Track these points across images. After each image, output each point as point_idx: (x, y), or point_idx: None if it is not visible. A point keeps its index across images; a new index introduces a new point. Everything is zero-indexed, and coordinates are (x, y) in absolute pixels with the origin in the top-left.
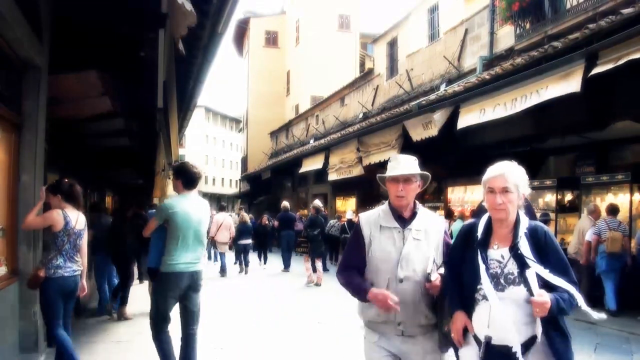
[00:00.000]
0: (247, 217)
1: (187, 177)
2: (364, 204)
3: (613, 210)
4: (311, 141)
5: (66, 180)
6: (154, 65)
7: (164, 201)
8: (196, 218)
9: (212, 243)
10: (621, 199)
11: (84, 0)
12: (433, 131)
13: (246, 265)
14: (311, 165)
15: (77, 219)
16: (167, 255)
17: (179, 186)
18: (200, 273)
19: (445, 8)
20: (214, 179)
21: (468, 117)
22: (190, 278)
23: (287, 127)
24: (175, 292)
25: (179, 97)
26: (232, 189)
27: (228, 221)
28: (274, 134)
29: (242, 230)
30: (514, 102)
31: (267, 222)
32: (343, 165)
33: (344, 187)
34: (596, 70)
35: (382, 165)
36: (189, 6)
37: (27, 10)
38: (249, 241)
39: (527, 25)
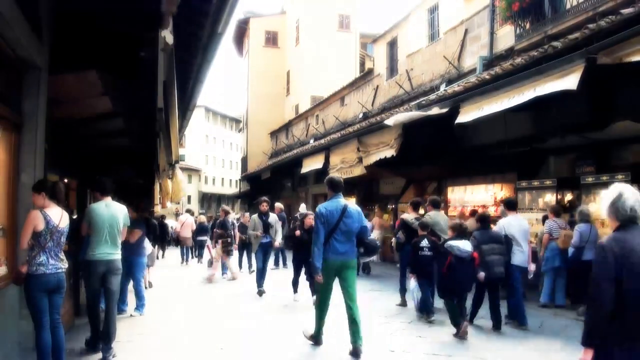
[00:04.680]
0: (204, 218)
1: (100, 188)
2: (364, 204)
3: (558, 211)
4: (311, 141)
5: (66, 180)
6: (154, 65)
7: (88, 207)
8: (109, 219)
9: (177, 238)
10: None
11: (84, 0)
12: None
13: (200, 256)
14: (311, 165)
15: (61, 217)
16: (90, 248)
17: (97, 195)
18: (116, 261)
19: (445, 8)
20: (213, 179)
21: (467, 115)
22: (106, 265)
23: (287, 127)
24: (97, 275)
25: (178, 97)
26: (232, 189)
27: (189, 221)
28: (274, 134)
29: (199, 229)
30: (510, 100)
31: (312, 222)
32: (344, 165)
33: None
34: (601, 61)
35: (382, 164)
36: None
37: (26, 9)
38: (205, 237)
39: (527, 25)
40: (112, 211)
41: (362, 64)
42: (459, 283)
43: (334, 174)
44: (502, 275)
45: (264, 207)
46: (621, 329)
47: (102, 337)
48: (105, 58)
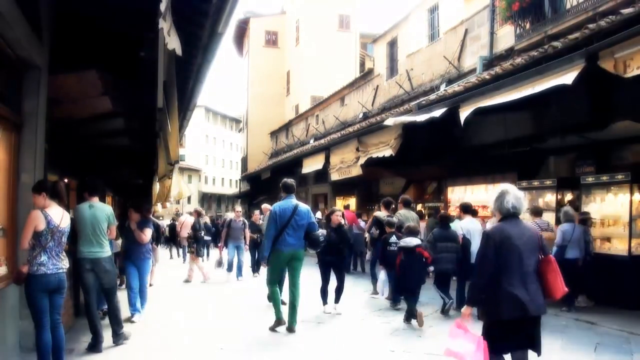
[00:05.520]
0: (208, 219)
1: (89, 188)
2: (364, 204)
3: (537, 212)
4: (311, 141)
5: (66, 180)
6: (154, 65)
7: (74, 207)
8: (90, 220)
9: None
10: (621, 199)
11: (84, 0)
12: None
13: (208, 255)
14: (312, 165)
15: (62, 217)
16: (78, 246)
17: (85, 195)
18: (102, 259)
19: (445, 8)
20: (214, 179)
21: (468, 110)
22: (91, 262)
23: (287, 127)
24: (85, 271)
25: (178, 97)
26: (232, 189)
27: (188, 221)
28: (274, 134)
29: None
30: (510, 96)
31: (340, 220)
32: (343, 165)
33: (344, 187)
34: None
35: (380, 163)
36: (177, 45)
37: (27, 10)
38: (209, 238)
39: (527, 25)
40: (95, 212)
41: (362, 64)
42: (411, 279)
43: (333, 174)
44: (450, 270)
45: None
46: (494, 289)
47: (112, 328)
48: (105, 58)
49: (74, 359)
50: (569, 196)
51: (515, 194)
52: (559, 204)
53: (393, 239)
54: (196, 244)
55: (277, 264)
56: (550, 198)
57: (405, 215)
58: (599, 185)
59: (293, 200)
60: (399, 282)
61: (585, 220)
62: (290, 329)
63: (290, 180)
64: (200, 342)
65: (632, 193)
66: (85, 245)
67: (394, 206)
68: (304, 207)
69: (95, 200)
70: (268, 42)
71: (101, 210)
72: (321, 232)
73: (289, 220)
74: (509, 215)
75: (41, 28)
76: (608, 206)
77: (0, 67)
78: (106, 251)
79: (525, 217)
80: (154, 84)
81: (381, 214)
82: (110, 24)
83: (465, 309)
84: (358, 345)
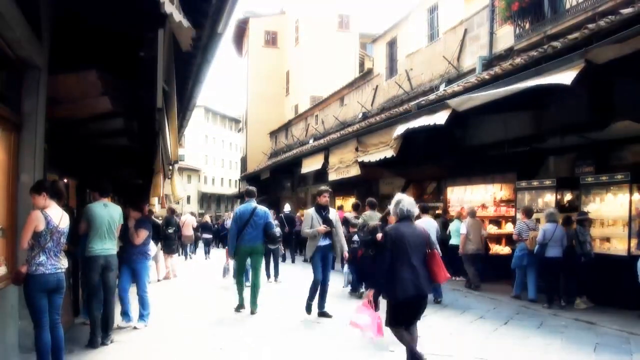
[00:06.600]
0: (208, 218)
1: (100, 189)
2: (364, 204)
3: (529, 212)
4: (310, 141)
5: (66, 180)
6: (154, 65)
7: (87, 207)
8: (107, 218)
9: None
10: (620, 199)
11: (84, 0)
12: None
13: (208, 253)
14: (311, 165)
15: (61, 217)
16: (89, 244)
17: (96, 195)
18: (113, 256)
19: (445, 8)
20: (213, 179)
21: (466, 104)
22: (104, 259)
23: (286, 127)
24: (97, 269)
25: (178, 97)
26: (231, 189)
27: (189, 220)
28: (274, 134)
29: (204, 227)
30: (507, 90)
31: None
32: (342, 165)
33: (343, 187)
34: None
35: (381, 164)
36: (186, 23)
37: (27, 10)
38: (210, 236)
39: (527, 25)
40: (110, 211)
41: (362, 64)
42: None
43: (331, 174)
44: None
45: (325, 199)
46: (392, 276)
47: (101, 326)
48: (105, 58)
49: (74, 358)
50: (568, 196)
51: (409, 201)
52: (559, 204)
53: (355, 237)
54: (165, 241)
55: (240, 257)
56: (549, 198)
57: (370, 216)
58: (599, 185)
59: (252, 204)
60: (360, 272)
61: (583, 221)
62: (253, 312)
63: (252, 188)
64: (201, 342)
65: (631, 193)
66: (98, 242)
67: (360, 207)
68: (261, 209)
69: (107, 199)
70: (267, 42)
71: (115, 209)
72: (278, 230)
73: (248, 220)
74: (403, 217)
75: (41, 28)
76: (607, 206)
77: (0, 67)
78: (115, 249)
79: (519, 217)
80: (154, 84)
81: (350, 215)
82: (110, 24)
83: (369, 292)
84: (358, 345)
